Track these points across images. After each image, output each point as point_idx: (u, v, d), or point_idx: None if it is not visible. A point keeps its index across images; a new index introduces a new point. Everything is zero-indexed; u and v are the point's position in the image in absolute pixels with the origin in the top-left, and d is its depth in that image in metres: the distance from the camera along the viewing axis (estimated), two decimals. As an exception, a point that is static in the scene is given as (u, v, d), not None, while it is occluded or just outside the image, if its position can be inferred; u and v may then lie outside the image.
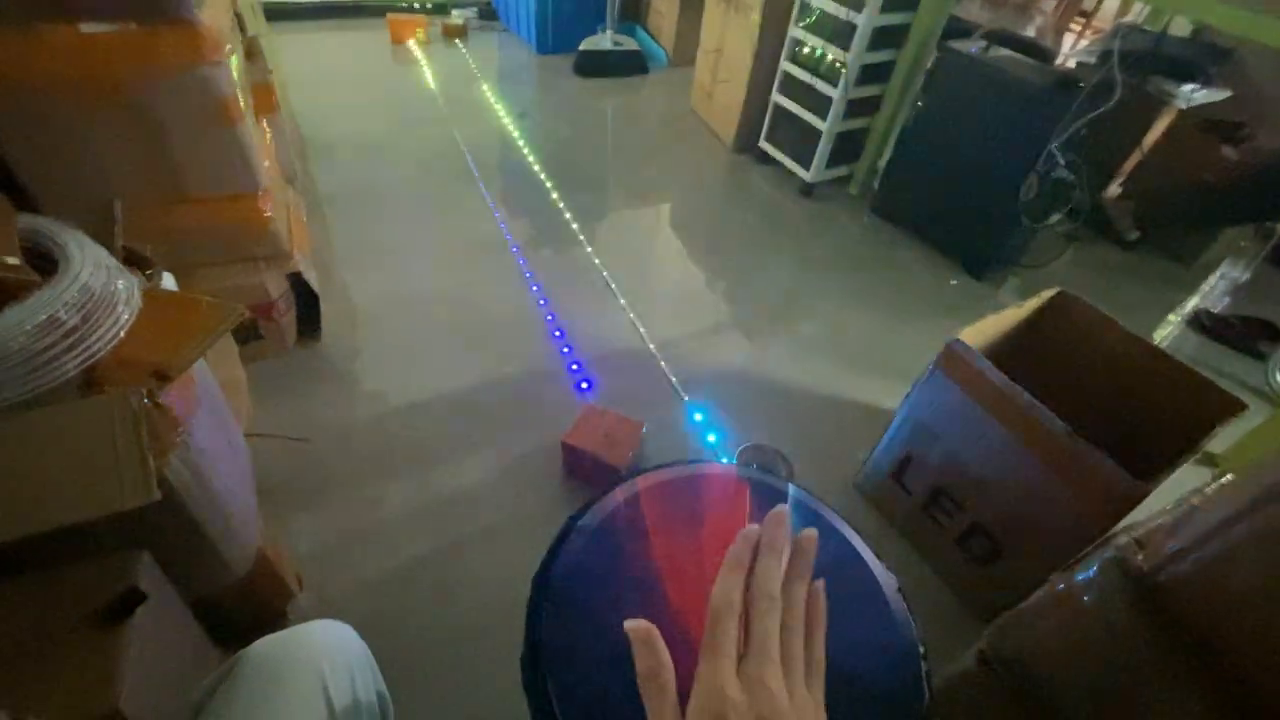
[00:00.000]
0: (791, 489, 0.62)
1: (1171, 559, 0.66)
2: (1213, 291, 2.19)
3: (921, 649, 0.50)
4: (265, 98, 1.50)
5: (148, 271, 1.03)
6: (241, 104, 1.19)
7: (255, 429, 1.31)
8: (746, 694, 0.33)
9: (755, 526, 0.40)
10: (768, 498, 0.61)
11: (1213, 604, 0.64)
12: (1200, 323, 2.02)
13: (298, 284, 1.46)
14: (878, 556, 0.57)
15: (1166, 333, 2.04)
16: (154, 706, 0.67)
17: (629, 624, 0.36)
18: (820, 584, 0.39)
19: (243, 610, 0.95)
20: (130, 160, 1.14)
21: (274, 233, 1.33)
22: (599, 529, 0.59)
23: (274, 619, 1.04)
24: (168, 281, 1.05)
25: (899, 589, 0.54)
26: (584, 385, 1.57)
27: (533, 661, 0.50)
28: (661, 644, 0.36)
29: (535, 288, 1.85)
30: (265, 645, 0.61)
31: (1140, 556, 0.70)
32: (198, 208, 1.24)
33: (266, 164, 1.37)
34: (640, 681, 0.35)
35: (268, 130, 1.53)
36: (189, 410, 0.74)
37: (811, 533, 0.40)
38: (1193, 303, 2.14)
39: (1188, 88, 2.04)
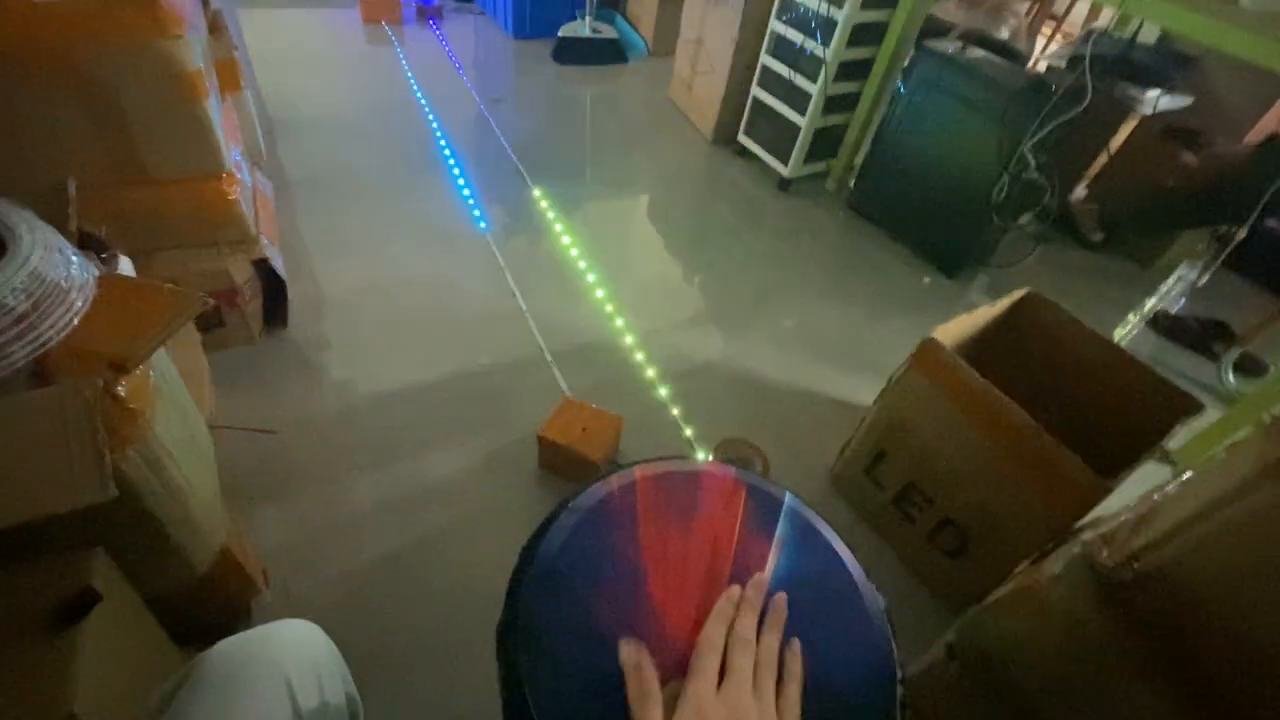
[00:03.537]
0: (788, 497, 0.62)
1: (1135, 556, 0.68)
2: (1170, 293, 2.26)
3: (899, 674, 0.51)
4: (230, 75, 1.44)
5: (104, 255, 0.98)
6: (204, 81, 1.14)
7: (220, 420, 1.27)
8: (722, 707, 0.41)
9: (738, 588, 0.50)
10: (763, 502, 0.62)
11: (1175, 600, 0.66)
12: (1159, 323, 2.09)
13: (264, 271, 1.41)
14: (867, 574, 0.58)
15: (1126, 331, 2.10)
16: (110, 712, 0.64)
17: (623, 653, 0.44)
18: (795, 642, 0.48)
19: (206, 608, 0.92)
20: (86, 138, 1.08)
21: (239, 216, 1.28)
22: (592, 511, 0.59)
23: (239, 616, 1.02)
24: (125, 266, 1.01)
25: (885, 610, 0.55)
26: (558, 377, 1.56)
27: (508, 631, 0.50)
28: (652, 672, 0.43)
29: (509, 277, 1.82)
30: (226, 647, 0.59)
31: (1105, 553, 0.72)
32: (158, 189, 1.19)
33: (232, 145, 1.32)
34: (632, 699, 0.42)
35: (233, 110, 1.48)
36: (148, 402, 0.71)
37: (782, 597, 0.50)
38: (1151, 303, 2.21)
39: (1152, 94, 2.10)
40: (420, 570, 1.17)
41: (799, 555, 0.58)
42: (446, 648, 1.06)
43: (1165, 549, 0.66)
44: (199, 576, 0.86)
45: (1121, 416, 1.17)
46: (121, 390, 0.65)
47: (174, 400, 0.80)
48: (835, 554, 0.59)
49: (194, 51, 1.09)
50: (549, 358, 1.60)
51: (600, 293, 1.82)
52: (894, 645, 0.54)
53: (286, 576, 1.11)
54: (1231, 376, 1.90)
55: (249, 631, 0.63)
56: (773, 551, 0.58)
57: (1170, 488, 0.73)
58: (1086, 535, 0.75)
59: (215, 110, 1.20)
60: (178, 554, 0.80)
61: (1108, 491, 0.92)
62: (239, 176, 1.31)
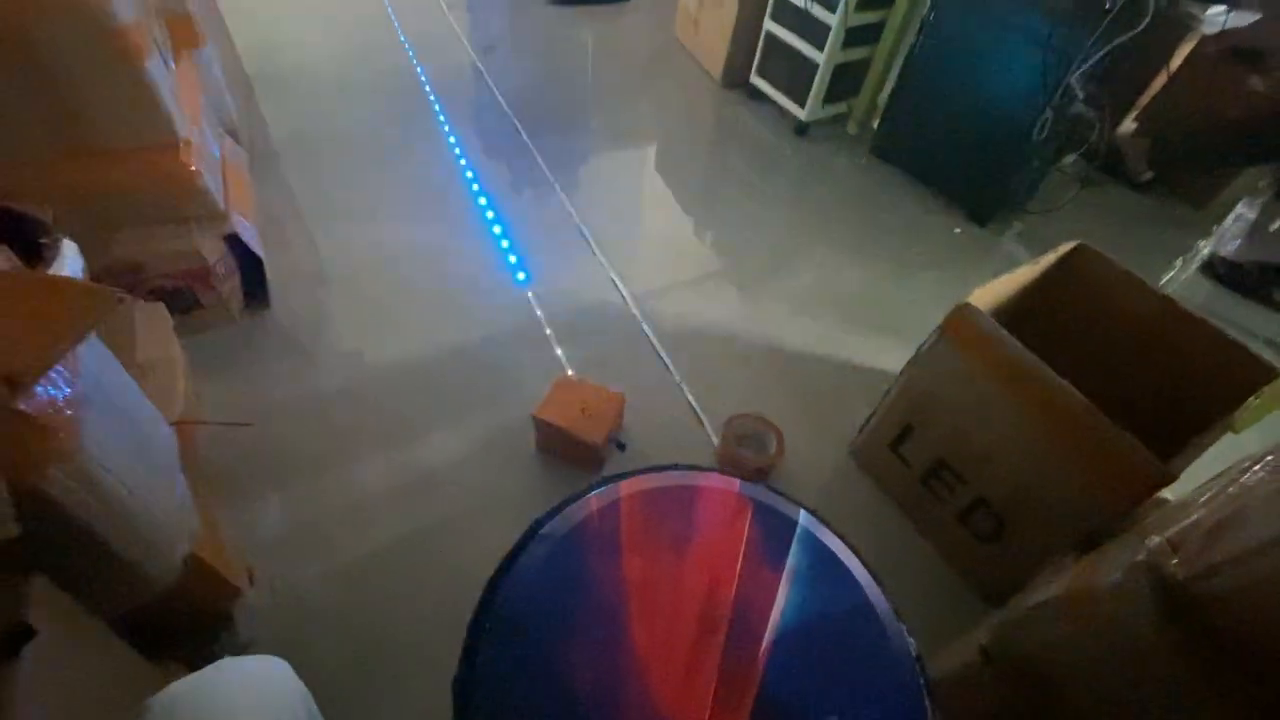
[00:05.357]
0: (802, 515, 0.52)
1: (1213, 570, 0.58)
2: (1225, 235, 2.07)
3: None
4: (185, 30, 1.32)
5: (43, 241, 0.90)
6: (146, 37, 1.03)
7: (201, 409, 1.20)
8: None
9: None
10: (772, 523, 0.52)
11: (1261, 623, 0.56)
12: (1213, 268, 1.92)
13: (238, 247, 1.32)
14: (895, 613, 0.49)
15: (1171, 276, 1.94)
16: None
17: None
18: None
19: (179, 618, 0.87)
20: (16, 106, 0.98)
21: (202, 190, 1.18)
22: (565, 540, 0.51)
23: (219, 621, 0.96)
24: (70, 251, 0.92)
25: (916, 655, 0.46)
26: (558, 350, 1.46)
27: (465, 687, 0.44)
28: None
29: (506, 242, 1.70)
30: (172, 696, 0.53)
31: (1174, 561, 0.62)
32: (109, 161, 1.09)
33: (188, 109, 1.20)
34: None
35: (191, 69, 1.35)
36: (73, 414, 0.62)
37: None
38: (1203, 247, 2.03)
39: (1215, 10, 1.87)
40: (412, 563, 1.10)
41: (815, 591, 0.49)
42: (431, 652, 1.00)
43: (1252, 565, 0.56)
44: (165, 589, 0.80)
45: (1183, 383, 1.05)
46: (30, 405, 0.57)
47: (113, 405, 0.72)
48: (858, 587, 0.50)
49: (127, 4, 0.97)
50: (548, 330, 1.50)
51: (602, 256, 1.70)
52: (929, 703, 0.45)
53: (273, 573, 1.06)
54: (1295, 327, 1.74)
55: (202, 673, 0.57)
56: (783, 587, 0.49)
57: (1250, 479, 0.62)
58: (1151, 540, 0.65)
59: (161, 70, 1.08)
60: (132, 571, 0.73)
61: (1171, 480, 0.81)
62: (201, 145, 1.20)
